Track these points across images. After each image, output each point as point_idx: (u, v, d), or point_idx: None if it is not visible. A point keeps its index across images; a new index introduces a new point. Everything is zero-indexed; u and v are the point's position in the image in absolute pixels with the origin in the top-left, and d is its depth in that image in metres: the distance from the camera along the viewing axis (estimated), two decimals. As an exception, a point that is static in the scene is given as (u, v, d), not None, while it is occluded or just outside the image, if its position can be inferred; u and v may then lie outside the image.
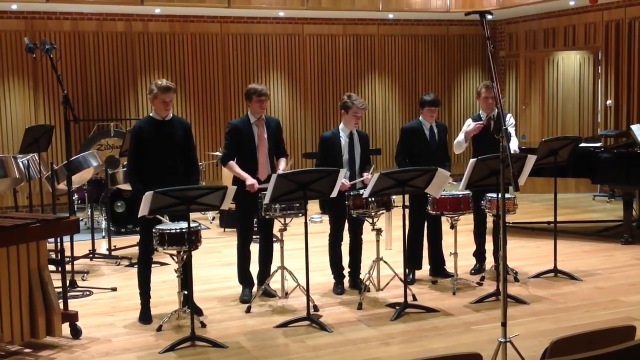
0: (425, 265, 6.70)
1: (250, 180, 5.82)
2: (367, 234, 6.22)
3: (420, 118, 6.46)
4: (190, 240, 5.09)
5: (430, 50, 12.70)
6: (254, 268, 6.16)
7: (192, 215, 5.14)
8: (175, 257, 5.25)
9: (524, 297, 5.87)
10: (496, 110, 6.62)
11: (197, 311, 5.47)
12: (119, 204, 8.89)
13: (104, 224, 8.81)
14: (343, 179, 5.67)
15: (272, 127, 6.08)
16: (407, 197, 5.65)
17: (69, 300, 5.38)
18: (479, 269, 6.74)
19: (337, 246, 6.26)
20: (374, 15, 11.87)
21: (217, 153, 10.13)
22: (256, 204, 5.84)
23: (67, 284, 5.63)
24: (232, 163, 5.94)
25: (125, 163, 6.06)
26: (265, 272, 6.11)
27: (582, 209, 10.22)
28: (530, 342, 4.69)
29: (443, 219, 6.46)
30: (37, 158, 7.39)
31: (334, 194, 5.50)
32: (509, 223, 8.54)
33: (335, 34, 12.03)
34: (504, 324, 3.90)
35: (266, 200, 5.32)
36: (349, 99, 6.10)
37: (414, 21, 12.43)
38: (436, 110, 6.44)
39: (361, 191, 5.81)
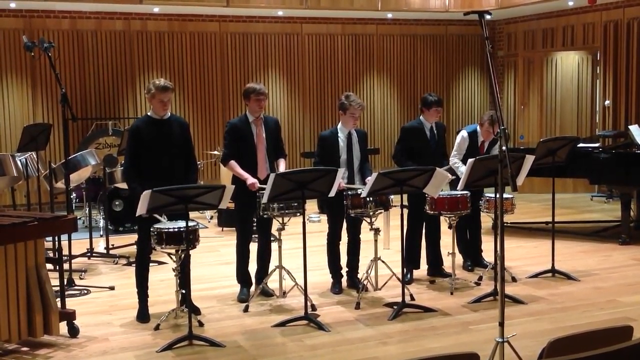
0: (423, 265, 6.70)
1: (250, 180, 5.81)
2: (366, 234, 6.22)
3: (421, 118, 6.45)
4: (188, 239, 5.09)
5: (429, 50, 12.70)
6: (252, 267, 6.16)
7: (190, 214, 5.14)
8: (173, 256, 5.24)
9: (522, 297, 5.87)
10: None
11: (195, 310, 5.47)
12: (117, 203, 8.89)
13: (102, 223, 8.80)
14: (340, 180, 5.65)
15: (270, 127, 6.07)
16: (405, 196, 5.65)
17: (66, 299, 5.38)
18: (472, 263, 6.79)
19: (335, 246, 6.25)
20: (372, 15, 11.87)
21: (216, 152, 10.14)
22: (255, 203, 5.84)
23: (65, 283, 5.62)
24: (233, 163, 5.93)
25: (123, 162, 6.05)
26: (263, 272, 6.11)
27: (580, 209, 10.23)
28: (528, 342, 4.69)
29: (441, 218, 6.47)
30: (35, 156, 7.38)
31: (332, 194, 5.50)
32: (507, 223, 8.54)
33: (334, 34, 12.03)
34: (501, 324, 3.90)
35: (264, 200, 5.31)
36: (346, 100, 6.10)
37: (413, 21, 12.44)
38: (441, 110, 6.49)
39: (359, 190, 5.81)
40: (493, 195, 6.15)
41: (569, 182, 11.21)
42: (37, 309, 4.83)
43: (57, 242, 5.40)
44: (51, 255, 5.66)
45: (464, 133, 6.78)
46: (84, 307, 5.76)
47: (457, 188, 5.92)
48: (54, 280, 5.20)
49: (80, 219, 8.33)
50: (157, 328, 5.30)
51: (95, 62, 10.71)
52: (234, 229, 6.45)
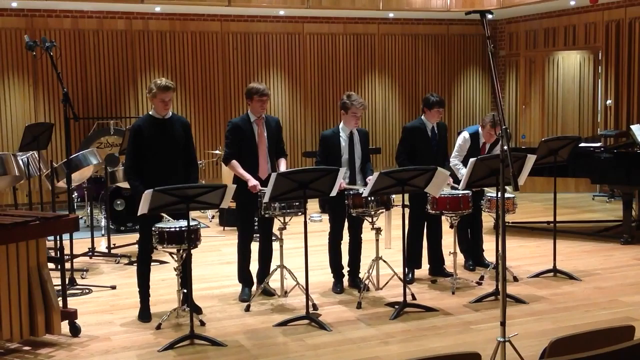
0: (425, 265, 6.70)
1: (252, 182, 5.81)
2: (367, 233, 6.22)
3: (423, 118, 6.44)
4: (189, 238, 5.10)
5: (430, 50, 12.70)
6: (254, 267, 6.16)
7: (192, 214, 5.14)
8: (174, 256, 5.25)
9: (523, 297, 5.87)
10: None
11: (196, 310, 5.47)
12: (118, 202, 8.90)
13: (103, 222, 8.81)
14: (341, 180, 5.65)
15: (271, 126, 6.07)
16: (406, 196, 5.65)
17: (68, 298, 5.38)
18: (473, 262, 6.80)
19: (336, 245, 6.25)
20: (374, 14, 11.87)
21: (217, 152, 10.15)
22: (257, 202, 5.84)
23: (67, 282, 5.63)
24: (235, 162, 5.93)
25: (124, 161, 6.06)
26: (264, 271, 6.11)
27: (581, 209, 10.22)
28: (529, 341, 4.70)
29: (443, 218, 6.47)
30: (36, 156, 7.39)
31: (333, 193, 5.50)
32: (509, 223, 8.54)
33: (336, 33, 12.03)
34: (503, 324, 3.90)
35: (266, 199, 5.31)
36: (348, 99, 6.10)
37: (415, 20, 12.43)
38: (443, 111, 6.47)
39: (361, 190, 5.81)
40: (494, 194, 6.14)
41: (570, 181, 11.22)
42: (38, 308, 4.84)
43: (58, 242, 5.40)
44: (53, 254, 5.66)
45: (465, 134, 6.78)
46: (85, 307, 5.76)
47: (459, 188, 5.92)
48: (56, 280, 5.20)
49: (81, 218, 8.34)
50: (158, 327, 5.30)
51: (96, 61, 10.71)
52: (236, 228, 6.45)
